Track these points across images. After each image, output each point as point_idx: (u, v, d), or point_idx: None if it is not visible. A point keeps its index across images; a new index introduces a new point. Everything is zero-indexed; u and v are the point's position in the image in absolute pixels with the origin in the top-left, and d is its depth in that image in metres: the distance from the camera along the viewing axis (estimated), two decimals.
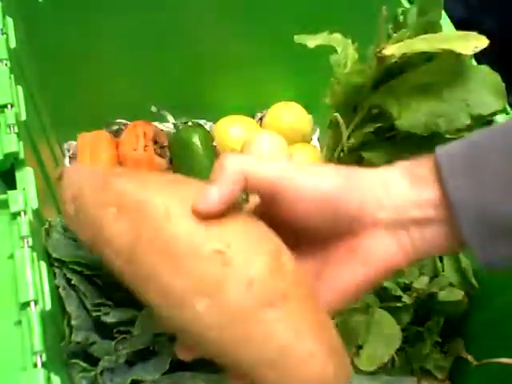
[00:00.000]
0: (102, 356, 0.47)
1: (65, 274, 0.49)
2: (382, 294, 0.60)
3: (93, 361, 0.48)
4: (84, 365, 0.47)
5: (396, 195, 0.38)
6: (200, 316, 0.34)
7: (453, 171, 0.36)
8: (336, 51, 0.65)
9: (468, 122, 0.57)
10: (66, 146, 0.92)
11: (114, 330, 0.48)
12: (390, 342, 0.57)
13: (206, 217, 0.36)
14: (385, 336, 0.57)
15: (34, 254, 0.42)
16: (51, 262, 0.49)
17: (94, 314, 0.48)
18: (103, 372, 0.47)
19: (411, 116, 0.58)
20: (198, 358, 0.49)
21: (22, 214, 0.44)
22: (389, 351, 0.57)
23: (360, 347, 0.57)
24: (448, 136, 0.58)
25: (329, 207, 0.37)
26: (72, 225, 0.44)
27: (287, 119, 0.93)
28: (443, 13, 0.63)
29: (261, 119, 0.97)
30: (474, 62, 0.62)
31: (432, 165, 0.37)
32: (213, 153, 0.89)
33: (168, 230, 0.36)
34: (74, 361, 0.47)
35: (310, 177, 0.38)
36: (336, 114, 0.66)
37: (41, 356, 0.37)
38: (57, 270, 0.49)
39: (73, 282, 0.48)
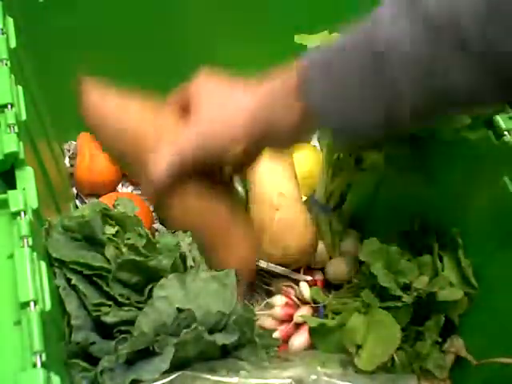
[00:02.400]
0: (102, 356, 0.47)
1: (65, 274, 0.49)
2: (381, 294, 0.60)
3: (93, 360, 0.48)
4: (84, 364, 0.47)
5: None
6: None
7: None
8: None
9: (468, 121, 0.57)
10: (66, 145, 0.92)
11: (114, 330, 0.48)
12: (389, 342, 0.57)
13: None
14: (384, 336, 0.57)
15: (34, 254, 0.42)
16: (51, 262, 0.49)
17: (94, 313, 0.48)
18: (103, 372, 0.47)
19: None
20: (198, 358, 0.50)
21: (22, 213, 0.44)
22: (388, 351, 0.57)
23: (360, 347, 0.57)
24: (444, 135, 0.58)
25: None
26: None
27: None
28: None
29: None
30: None
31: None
32: None
33: None
34: (74, 360, 0.47)
35: None
36: None
37: (40, 356, 0.37)
38: (57, 270, 0.49)
39: (73, 282, 0.48)
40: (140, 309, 0.49)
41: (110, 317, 0.48)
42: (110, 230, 0.52)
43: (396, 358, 0.60)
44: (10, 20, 0.60)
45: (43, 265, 0.43)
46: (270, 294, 0.77)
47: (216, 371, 0.49)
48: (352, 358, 0.58)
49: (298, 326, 0.72)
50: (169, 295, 0.49)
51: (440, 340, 0.62)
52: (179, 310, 0.48)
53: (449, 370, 0.63)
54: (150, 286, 0.50)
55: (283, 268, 0.75)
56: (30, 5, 0.72)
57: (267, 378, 0.50)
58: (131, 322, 0.48)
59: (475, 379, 0.62)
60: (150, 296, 0.49)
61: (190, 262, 0.54)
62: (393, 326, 0.58)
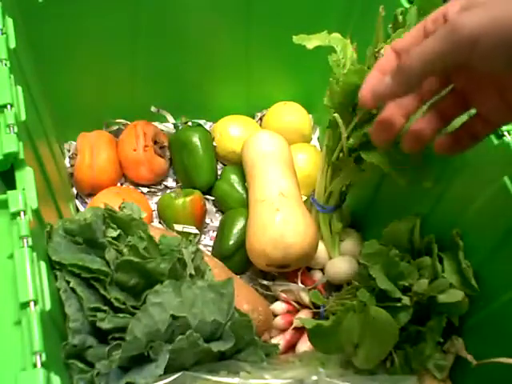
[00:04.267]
0: (97, 361, 0.47)
1: (65, 277, 0.49)
2: (380, 296, 0.60)
3: (90, 362, 0.48)
4: (81, 366, 0.47)
5: None
6: None
7: None
8: (335, 51, 0.65)
9: None
10: (66, 146, 0.92)
11: (109, 337, 0.48)
12: (387, 340, 0.57)
13: None
14: (381, 333, 0.57)
15: (34, 254, 0.42)
16: (53, 264, 0.49)
17: (90, 318, 0.48)
18: (99, 374, 0.47)
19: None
20: (199, 360, 0.50)
21: (22, 213, 0.44)
22: (386, 349, 0.57)
23: (357, 346, 0.57)
24: None
25: None
26: None
27: (287, 119, 0.93)
28: None
29: (261, 119, 0.98)
30: None
31: None
32: (213, 153, 0.89)
33: None
34: (71, 361, 0.47)
35: None
36: (335, 114, 0.65)
37: (40, 356, 0.37)
38: (58, 273, 0.49)
39: (71, 285, 0.48)
40: (135, 314, 0.49)
41: (105, 323, 0.48)
42: (112, 233, 0.52)
43: (396, 358, 0.60)
44: (10, 20, 0.60)
45: (43, 265, 0.43)
46: (268, 298, 0.77)
47: (216, 372, 0.49)
48: (351, 358, 0.57)
49: (302, 331, 0.72)
50: (163, 302, 0.48)
51: (442, 340, 0.62)
52: (173, 317, 0.48)
53: (449, 370, 0.63)
54: (146, 292, 0.49)
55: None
56: (29, 5, 0.71)
57: (267, 378, 0.50)
58: (126, 329, 0.48)
59: (475, 379, 0.62)
60: (145, 302, 0.49)
61: (190, 270, 0.54)
62: (389, 323, 0.57)
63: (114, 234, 0.52)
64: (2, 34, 0.57)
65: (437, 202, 0.65)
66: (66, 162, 0.90)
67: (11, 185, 0.47)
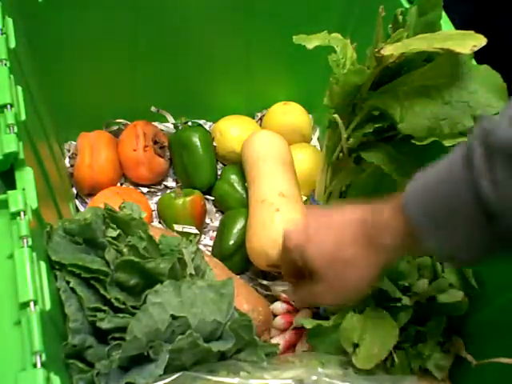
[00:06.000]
0: (97, 361, 0.47)
1: (65, 277, 0.49)
2: (380, 296, 0.60)
3: (90, 362, 0.48)
4: (81, 366, 0.47)
5: None
6: None
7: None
8: (335, 51, 0.65)
9: (471, 124, 0.57)
10: (66, 146, 0.92)
11: (109, 337, 0.48)
12: (386, 340, 0.57)
13: None
14: (381, 334, 0.57)
15: (34, 254, 0.42)
16: (53, 264, 0.49)
17: (90, 318, 0.48)
18: (99, 374, 0.47)
19: (414, 120, 0.58)
20: (198, 360, 0.50)
21: (22, 214, 0.44)
22: (386, 348, 0.57)
23: (357, 346, 0.57)
24: (447, 140, 0.58)
25: None
26: None
27: (287, 119, 0.93)
28: (443, 13, 0.63)
29: (261, 119, 0.98)
30: (474, 62, 0.62)
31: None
32: (213, 153, 0.89)
33: None
34: (71, 361, 0.47)
35: None
36: (335, 115, 0.65)
37: (40, 356, 0.37)
38: (58, 273, 0.49)
39: (71, 285, 0.48)
40: (135, 314, 0.48)
41: (105, 323, 0.48)
42: (112, 233, 0.52)
43: (396, 358, 0.60)
44: (10, 20, 0.60)
45: (43, 265, 0.43)
46: (268, 298, 0.77)
47: (216, 372, 0.49)
48: (351, 358, 0.57)
49: (302, 331, 0.72)
50: (163, 302, 0.48)
51: (442, 340, 0.62)
52: (173, 317, 0.48)
53: (449, 370, 0.63)
54: (146, 292, 0.49)
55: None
56: (29, 5, 0.72)
57: (267, 378, 0.50)
58: (126, 329, 0.48)
59: (475, 379, 0.62)
60: (145, 301, 0.49)
61: (190, 270, 0.54)
62: (389, 323, 0.57)
63: (114, 233, 0.52)
64: (2, 33, 0.57)
65: None
66: (66, 162, 0.89)
67: (11, 185, 0.47)
